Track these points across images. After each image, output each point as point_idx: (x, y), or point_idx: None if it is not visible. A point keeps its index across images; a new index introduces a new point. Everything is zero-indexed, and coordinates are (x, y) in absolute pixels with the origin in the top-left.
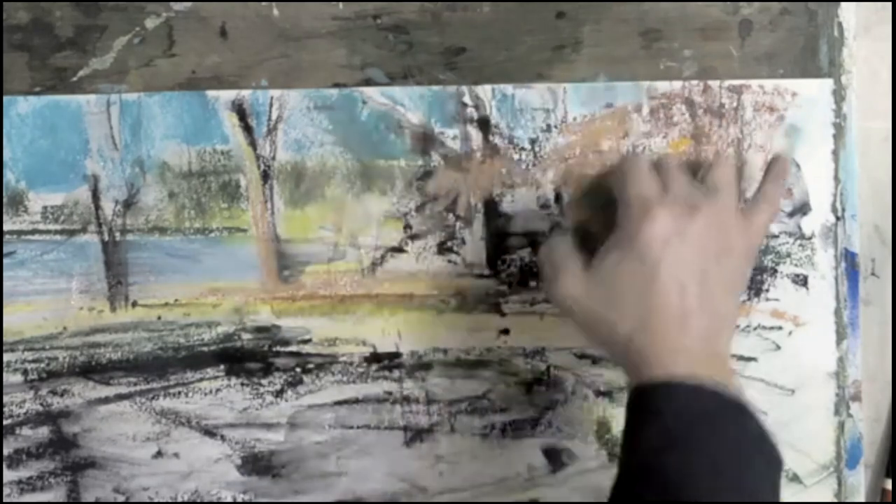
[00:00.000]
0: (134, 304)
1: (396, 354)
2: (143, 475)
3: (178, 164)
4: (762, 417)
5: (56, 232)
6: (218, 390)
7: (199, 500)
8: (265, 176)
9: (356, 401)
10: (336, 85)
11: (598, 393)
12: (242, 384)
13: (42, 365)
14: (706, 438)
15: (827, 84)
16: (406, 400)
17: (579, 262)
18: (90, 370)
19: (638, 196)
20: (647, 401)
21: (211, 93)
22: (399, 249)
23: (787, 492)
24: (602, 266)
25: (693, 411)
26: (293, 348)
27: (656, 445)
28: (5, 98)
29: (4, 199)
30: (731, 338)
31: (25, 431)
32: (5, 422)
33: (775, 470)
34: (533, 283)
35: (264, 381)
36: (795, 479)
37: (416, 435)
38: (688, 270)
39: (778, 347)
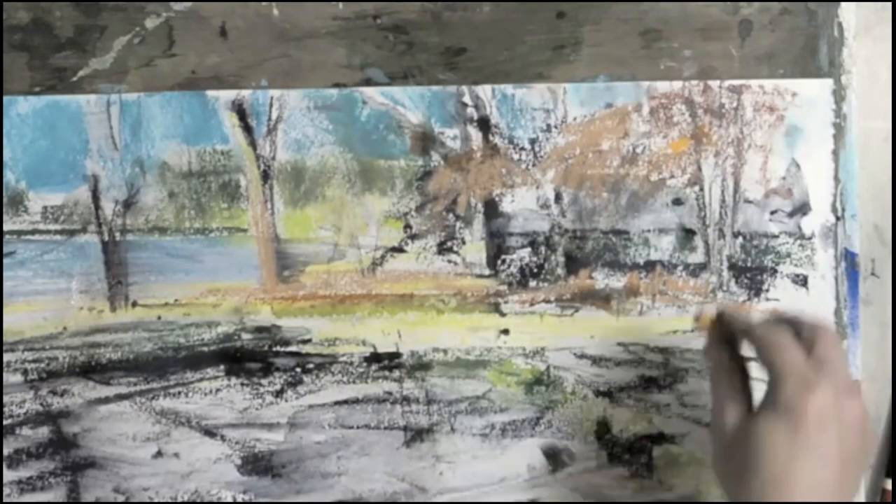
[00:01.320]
0: (134, 304)
1: (396, 354)
2: (143, 475)
3: (178, 164)
4: None
5: (56, 232)
6: (218, 390)
7: (199, 500)
8: (265, 176)
9: (356, 401)
10: (336, 85)
11: (598, 393)
12: (242, 384)
13: (42, 365)
14: None
15: (827, 84)
16: (406, 400)
17: (736, 410)
18: (90, 370)
19: (793, 371)
20: None
21: (211, 93)
22: (399, 249)
23: None
24: (754, 431)
25: None
26: (293, 348)
27: None
28: (5, 98)
29: (4, 199)
30: None
31: (25, 431)
32: (5, 422)
33: None
34: (533, 283)
35: (264, 381)
36: None
37: (416, 435)
38: (837, 450)
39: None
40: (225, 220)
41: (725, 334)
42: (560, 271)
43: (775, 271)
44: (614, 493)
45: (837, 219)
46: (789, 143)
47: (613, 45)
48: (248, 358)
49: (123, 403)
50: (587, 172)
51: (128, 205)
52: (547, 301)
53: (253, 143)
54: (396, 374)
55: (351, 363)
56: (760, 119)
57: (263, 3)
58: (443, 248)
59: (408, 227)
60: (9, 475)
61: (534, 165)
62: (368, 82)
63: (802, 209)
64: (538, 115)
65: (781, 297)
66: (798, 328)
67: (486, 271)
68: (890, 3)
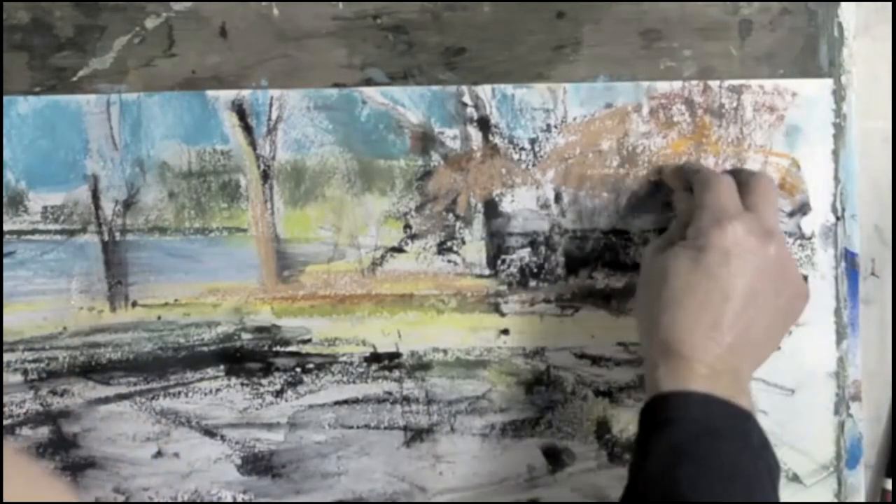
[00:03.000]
0: (134, 304)
1: (396, 354)
2: (143, 475)
3: (178, 164)
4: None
5: (56, 232)
6: (218, 390)
7: (199, 500)
8: (265, 176)
9: (356, 401)
10: (336, 85)
11: (598, 393)
12: (242, 384)
13: (42, 365)
14: (716, 449)
15: (827, 84)
16: (406, 400)
17: (664, 243)
18: (90, 370)
19: (712, 206)
20: (661, 410)
21: (211, 93)
22: (399, 249)
23: (786, 492)
24: (664, 256)
25: (703, 422)
26: (293, 348)
27: (669, 455)
28: (5, 98)
29: (4, 199)
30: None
31: (25, 431)
32: (5, 422)
33: (776, 476)
34: (533, 283)
35: (264, 381)
36: (795, 479)
37: (416, 435)
38: (739, 286)
39: (778, 347)
40: (225, 220)
41: (687, 184)
42: (560, 271)
43: None
44: (614, 493)
45: (837, 219)
46: (789, 143)
47: (613, 45)
48: (248, 358)
49: (123, 403)
50: (587, 172)
51: (128, 205)
52: (547, 301)
53: (253, 143)
54: (396, 374)
55: (351, 363)
56: (760, 119)
57: (263, 3)
58: (443, 248)
59: (408, 227)
60: None
61: (534, 165)
62: (368, 82)
63: (802, 209)
64: (538, 115)
65: None
66: (740, 178)
67: (486, 271)
68: (890, 4)
